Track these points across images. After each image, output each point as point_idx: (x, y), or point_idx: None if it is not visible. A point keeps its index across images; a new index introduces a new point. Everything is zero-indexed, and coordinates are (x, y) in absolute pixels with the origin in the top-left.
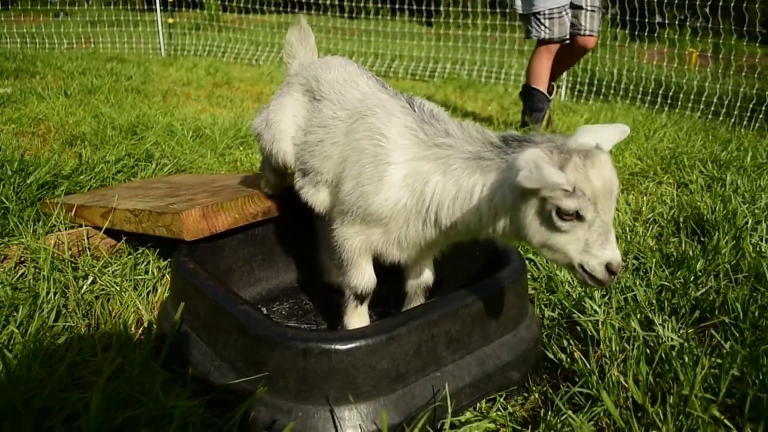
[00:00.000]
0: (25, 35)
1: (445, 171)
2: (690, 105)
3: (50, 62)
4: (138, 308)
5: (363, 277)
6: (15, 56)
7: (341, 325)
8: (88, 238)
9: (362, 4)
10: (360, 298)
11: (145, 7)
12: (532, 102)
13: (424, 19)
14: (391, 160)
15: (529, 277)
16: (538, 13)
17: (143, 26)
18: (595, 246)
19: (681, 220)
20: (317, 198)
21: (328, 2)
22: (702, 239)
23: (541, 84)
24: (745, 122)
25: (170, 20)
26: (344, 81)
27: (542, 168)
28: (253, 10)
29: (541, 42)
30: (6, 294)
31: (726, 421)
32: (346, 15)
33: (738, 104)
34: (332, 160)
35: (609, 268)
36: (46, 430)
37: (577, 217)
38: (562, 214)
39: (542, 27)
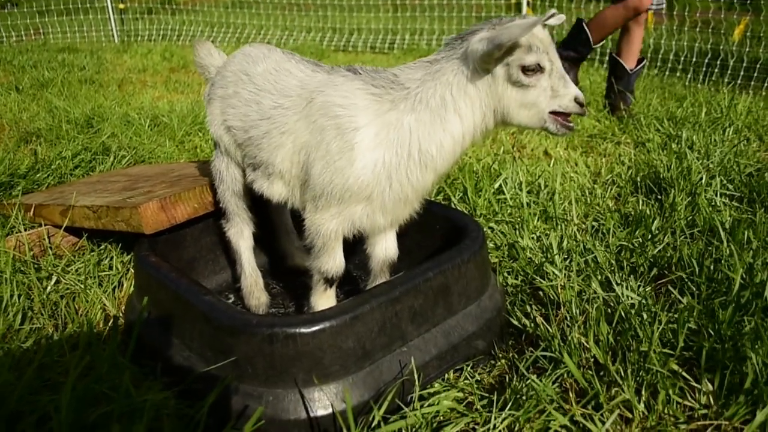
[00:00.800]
0: None
1: (412, 107)
2: (647, 63)
3: None
4: (104, 305)
5: (335, 261)
6: None
7: (308, 308)
8: (49, 237)
9: None
10: (330, 281)
11: None
12: (580, 40)
13: None
14: (357, 124)
15: (491, 245)
16: None
17: (94, 13)
18: (560, 89)
19: (638, 179)
20: (273, 189)
21: None
22: (659, 197)
23: (596, 35)
24: (700, 78)
25: (121, 5)
26: (275, 71)
27: (491, 37)
28: None
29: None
30: None
31: (684, 374)
32: None
33: (693, 60)
34: (285, 148)
35: (578, 101)
36: None
37: (539, 69)
38: (526, 70)
39: None
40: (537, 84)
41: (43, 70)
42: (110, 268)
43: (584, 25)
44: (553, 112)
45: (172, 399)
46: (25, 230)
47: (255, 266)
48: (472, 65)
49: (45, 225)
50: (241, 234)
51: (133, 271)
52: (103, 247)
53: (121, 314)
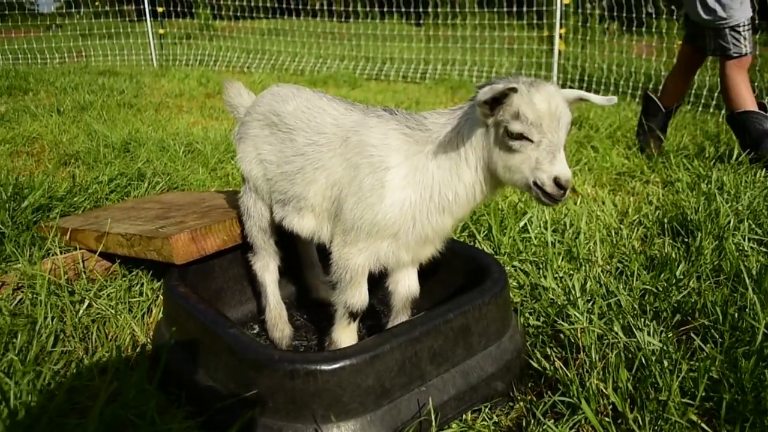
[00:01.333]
0: (17, 51)
1: (434, 151)
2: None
3: (43, 78)
4: (133, 330)
5: (360, 295)
6: (8, 73)
7: (329, 341)
8: (83, 261)
9: (351, 8)
10: (354, 315)
11: (136, 18)
12: (752, 127)
13: (413, 21)
14: (389, 164)
15: (514, 284)
16: (738, 25)
17: (134, 38)
18: (544, 163)
19: (666, 220)
20: (302, 224)
21: (318, 6)
22: (686, 240)
23: (750, 104)
24: None
25: (161, 30)
26: (307, 108)
27: (492, 86)
28: (243, 17)
29: (732, 57)
30: (5, 321)
31: (703, 425)
32: (335, 19)
33: None
34: (317, 183)
35: (557, 182)
36: None
37: (525, 138)
38: (511, 134)
39: (743, 41)
40: (523, 151)
41: (83, 93)
42: (140, 294)
43: (738, 111)
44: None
45: (195, 429)
46: (61, 254)
47: (280, 299)
48: (476, 114)
49: (80, 249)
50: (267, 268)
51: (162, 298)
52: (134, 273)
53: (148, 340)
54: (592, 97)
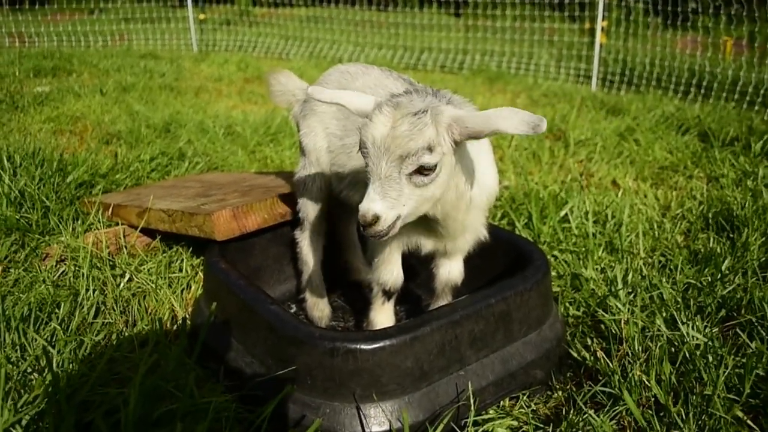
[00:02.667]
0: (61, 33)
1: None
2: (724, 95)
3: (86, 60)
4: (173, 305)
5: (392, 274)
6: (53, 55)
7: (367, 321)
8: (124, 236)
9: None
10: (387, 294)
11: (177, 3)
12: None
13: (452, 11)
14: None
15: (553, 275)
16: None
17: (175, 22)
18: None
19: (710, 215)
20: (356, 199)
21: None
22: (731, 236)
23: None
24: None
25: (201, 16)
26: (374, 85)
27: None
28: (282, 4)
29: None
30: (48, 292)
31: (749, 422)
32: (374, 7)
33: None
34: None
35: (360, 215)
36: (87, 423)
37: (365, 161)
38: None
39: None
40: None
41: (125, 75)
42: (180, 270)
43: None
44: None
45: (233, 402)
46: (103, 228)
47: (322, 279)
48: None
49: (121, 224)
50: (314, 246)
51: (202, 275)
52: (174, 249)
53: (187, 316)
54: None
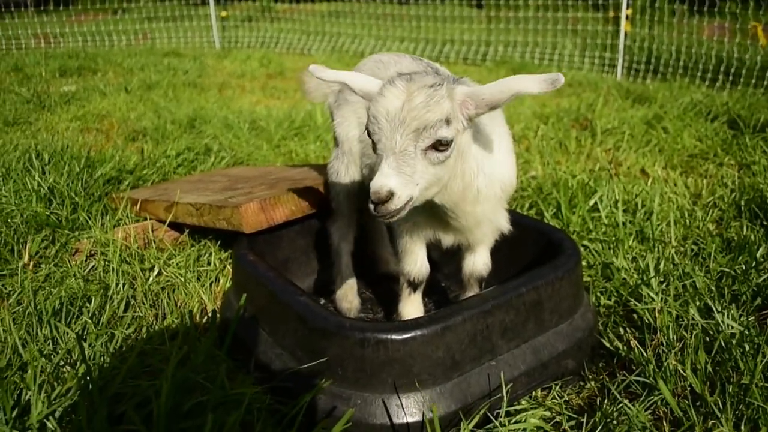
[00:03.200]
0: (86, 34)
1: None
2: (753, 81)
3: (111, 59)
4: (201, 298)
5: (416, 264)
6: (78, 55)
7: (396, 313)
8: (152, 231)
9: None
10: (413, 285)
11: (199, 1)
12: None
13: (474, 2)
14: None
15: (584, 264)
16: None
17: (197, 20)
18: (375, 173)
19: (743, 203)
20: None
21: None
22: (765, 223)
23: None
24: None
25: (223, 13)
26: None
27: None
28: (303, 0)
29: None
30: (79, 286)
31: None
32: (395, 1)
33: None
34: None
35: (371, 192)
36: (119, 415)
37: (373, 139)
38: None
39: None
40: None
41: (150, 73)
42: (208, 263)
43: None
44: None
45: (264, 394)
46: (132, 223)
47: (352, 270)
48: None
49: (149, 219)
50: (345, 237)
51: (230, 267)
52: (202, 243)
53: (217, 308)
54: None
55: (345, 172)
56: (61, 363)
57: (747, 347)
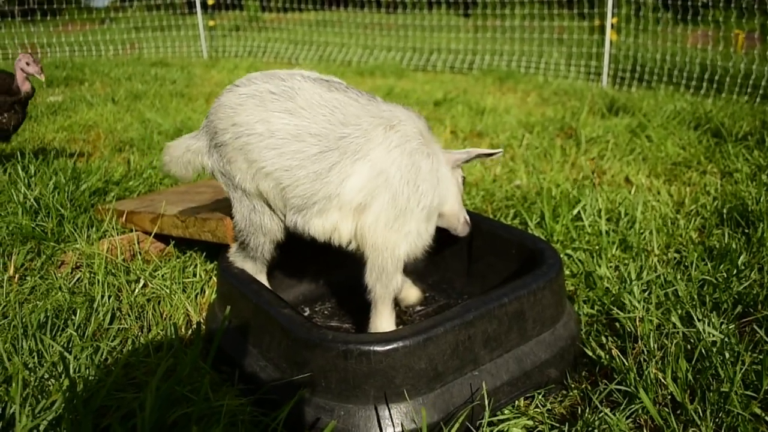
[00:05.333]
0: (73, 44)
1: None
2: (737, 89)
3: (98, 69)
4: (187, 310)
5: (400, 278)
6: (64, 65)
7: (374, 328)
8: (138, 242)
9: None
10: (395, 301)
11: (187, 11)
12: None
13: (461, 12)
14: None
15: (567, 273)
16: None
17: (185, 30)
18: None
19: (725, 211)
20: (325, 225)
21: None
22: (747, 231)
23: None
24: None
25: (211, 23)
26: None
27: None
28: (291, 9)
29: None
30: (64, 298)
31: (767, 418)
32: (383, 10)
33: None
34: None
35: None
36: (104, 428)
37: None
38: None
39: None
40: None
41: (137, 83)
42: (194, 275)
43: None
44: None
45: (248, 406)
46: (117, 235)
47: None
48: None
49: (135, 231)
50: (261, 272)
51: (216, 279)
52: (188, 254)
53: (202, 320)
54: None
55: (270, 221)
56: (46, 376)
57: (727, 355)
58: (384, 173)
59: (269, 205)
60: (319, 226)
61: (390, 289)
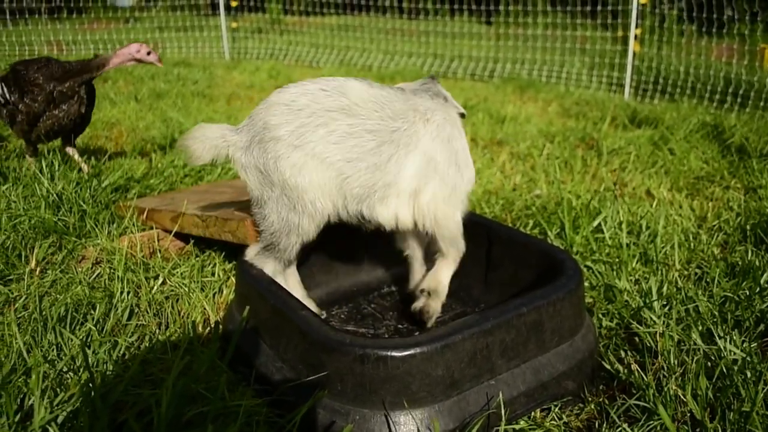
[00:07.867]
0: (97, 42)
1: None
2: (762, 104)
3: (121, 67)
4: (205, 309)
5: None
6: None
7: (436, 274)
8: (158, 240)
9: (421, 5)
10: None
11: (210, 12)
12: None
13: (483, 19)
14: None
15: (587, 285)
16: None
17: (208, 31)
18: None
19: (748, 227)
20: (388, 212)
21: (387, 3)
22: None
23: None
24: None
25: (234, 24)
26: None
27: None
28: (313, 13)
29: None
30: (84, 293)
31: None
32: (405, 16)
33: None
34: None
35: None
36: (120, 423)
37: None
38: None
39: None
40: None
41: (159, 82)
42: (213, 274)
43: None
44: None
45: (264, 406)
46: (138, 232)
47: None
48: None
49: (155, 228)
50: (282, 273)
51: (234, 279)
52: (207, 253)
53: (219, 319)
54: None
55: (308, 225)
56: (65, 369)
57: (749, 374)
58: (432, 161)
59: (311, 204)
60: (384, 212)
61: (461, 248)
